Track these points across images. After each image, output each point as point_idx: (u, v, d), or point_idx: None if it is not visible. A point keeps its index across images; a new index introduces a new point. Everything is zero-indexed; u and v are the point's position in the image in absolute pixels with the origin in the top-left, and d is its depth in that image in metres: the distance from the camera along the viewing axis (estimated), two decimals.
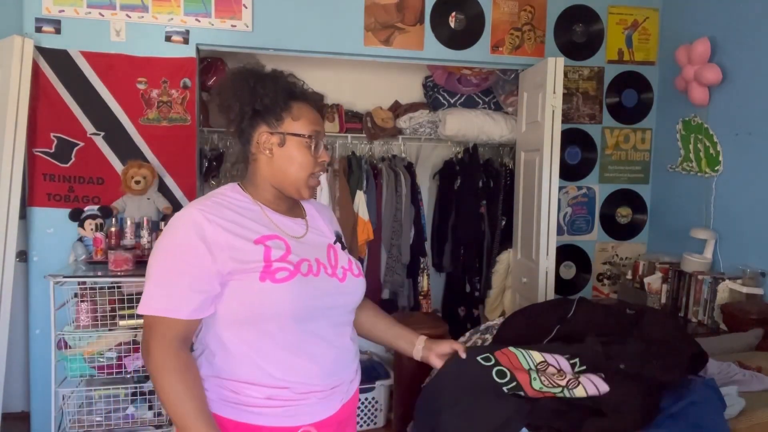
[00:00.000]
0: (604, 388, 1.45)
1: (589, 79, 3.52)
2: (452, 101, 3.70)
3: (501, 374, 1.46)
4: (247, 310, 1.18)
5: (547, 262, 3.04)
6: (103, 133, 2.89)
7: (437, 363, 1.46)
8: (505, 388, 1.45)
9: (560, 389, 1.45)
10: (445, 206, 3.82)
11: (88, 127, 2.87)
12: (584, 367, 1.53)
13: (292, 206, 1.35)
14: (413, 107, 3.72)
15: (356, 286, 1.35)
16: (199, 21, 2.95)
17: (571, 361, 1.53)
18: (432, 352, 1.46)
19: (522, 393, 1.45)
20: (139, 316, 1.24)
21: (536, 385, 1.45)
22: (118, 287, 2.46)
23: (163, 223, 2.81)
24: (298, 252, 1.25)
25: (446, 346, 1.46)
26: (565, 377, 1.47)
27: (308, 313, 1.22)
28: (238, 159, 1.36)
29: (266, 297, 1.17)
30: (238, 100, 1.24)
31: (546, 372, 1.48)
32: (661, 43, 3.55)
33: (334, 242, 1.38)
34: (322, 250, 1.31)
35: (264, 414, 1.20)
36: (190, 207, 1.20)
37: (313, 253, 1.28)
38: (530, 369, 1.48)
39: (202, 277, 1.15)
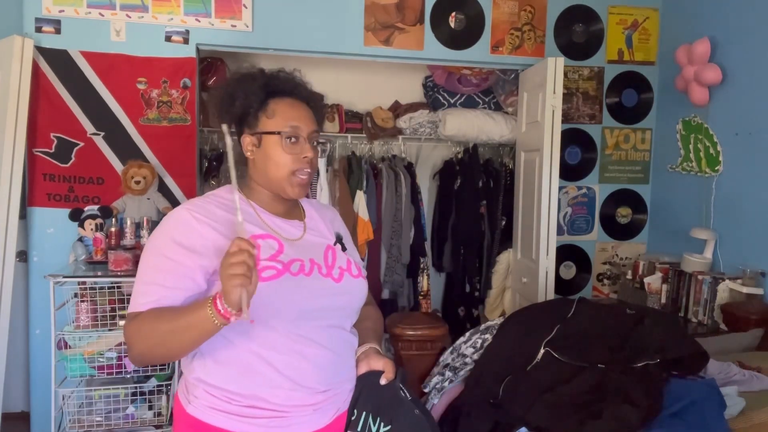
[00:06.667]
0: None
1: (589, 79, 3.52)
2: (452, 101, 3.70)
3: None
4: None
5: (547, 262, 3.04)
6: (103, 133, 2.89)
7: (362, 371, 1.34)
8: None
9: None
10: (445, 206, 3.82)
11: (88, 127, 2.88)
12: None
13: (289, 208, 1.33)
14: (413, 107, 3.72)
15: (354, 286, 1.31)
16: (199, 21, 2.95)
17: None
18: (363, 362, 1.33)
19: None
20: None
21: None
22: (118, 287, 2.46)
23: None
24: (291, 252, 1.23)
25: (379, 364, 1.32)
26: None
27: (299, 314, 1.18)
28: (239, 159, 1.35)
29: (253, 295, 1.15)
30: (220, 107, 1.27)
31: None
32: (661, 43, 3.55)
33: (334, 243, 1.35)
34: (319, 251, 1.29)
35: (252, 423, 1.17)
36: (179, 207, 1.22)
37: (308, 254, 1.25)
38: None
39: (184, 275, 1.15)
